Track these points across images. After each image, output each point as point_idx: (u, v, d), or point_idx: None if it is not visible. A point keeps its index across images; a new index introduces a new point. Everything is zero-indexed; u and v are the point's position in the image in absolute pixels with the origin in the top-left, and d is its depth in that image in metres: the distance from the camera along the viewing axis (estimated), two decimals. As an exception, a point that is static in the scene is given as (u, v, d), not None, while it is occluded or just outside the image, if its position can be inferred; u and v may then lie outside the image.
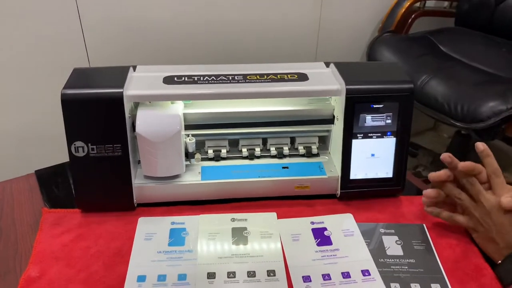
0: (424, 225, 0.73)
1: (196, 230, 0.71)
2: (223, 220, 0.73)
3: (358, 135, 0.74)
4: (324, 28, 1.75)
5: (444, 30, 1.90)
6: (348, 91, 0.71)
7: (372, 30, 1.88)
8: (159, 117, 0.70)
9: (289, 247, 0.69)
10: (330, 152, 0.82)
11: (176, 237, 0.70)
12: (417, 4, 1.85)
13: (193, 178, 0.75)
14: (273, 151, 0.80)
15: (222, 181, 0.75)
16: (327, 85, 0.74)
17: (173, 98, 0.72)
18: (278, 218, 0.74)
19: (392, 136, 0.74)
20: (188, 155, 0.76)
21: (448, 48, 1.74)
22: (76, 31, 1.32)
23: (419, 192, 0.79)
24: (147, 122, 0.70)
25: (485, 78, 1.54)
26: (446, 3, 1.98)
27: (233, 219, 0.73)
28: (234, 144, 0.82)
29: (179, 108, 0.73)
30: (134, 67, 0.77)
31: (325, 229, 0.72)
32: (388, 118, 0.73)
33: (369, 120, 0.73)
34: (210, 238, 0.70)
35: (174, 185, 0.74)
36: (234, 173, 0.77)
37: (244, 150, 0.80)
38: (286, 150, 0.81)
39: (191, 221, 0.73)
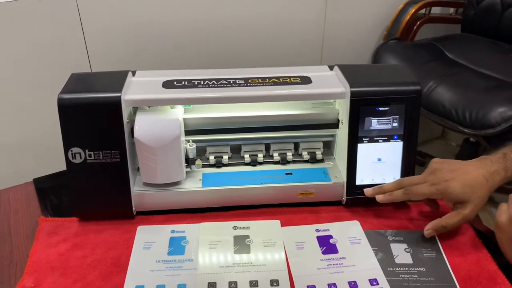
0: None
1: (197, 239, 0.69)
2: (224, 228, 0.71)
3: (364, 139, 0.71)
4: (329, 35, 1.74)
5: (450, 36, 1.88)
6: (353, 94, 0.69)
7: (377, 37, 1.86)
8: (158, 122, 0.68)
9: (293, 256, 0.66)
10: (335, 157, 0.80)
11: (176, 246, 0.68)
12: (423, 11, 1.84)
13: (193, 185, 0.73)
14: (276, 157, 0.78)
15: (223, 188, 0.73)
16: (331, 88, 0.72)
17: (173, 102, 0.70)
18: (281, 226, 0.71)
19: (399, 140, 0.72)
20: (189, 162, 0.74)
21: (455, 54, 1.72)
22: (78, 37, 1.31)
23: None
24: (145, 127, 0.68)
25: (493, 84, 1.52)
26: (451, 10, 1.96)
27: (235, 227, 0.71)
28: (236, 150, 0.80)
29: (179, 113, 0.71)
30: (134, 72, 0.76)
31: (330, 237, 0.69)
32: (395, 121, 0.71)
33: (375, 123, 0.71)
34: (211, 246, 0.67)
35: (174, 192, 0.72)
36: (236, 180, 0.74)
37: (247, 156, 0.78)
38: (289, 155, 0.78)
39: (191, 230, 0.70)
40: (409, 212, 0.74)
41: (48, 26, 1.27)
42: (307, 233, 0.70)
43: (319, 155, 0.79)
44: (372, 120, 0.70)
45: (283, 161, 0.78)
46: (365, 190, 0.71)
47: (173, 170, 0.71)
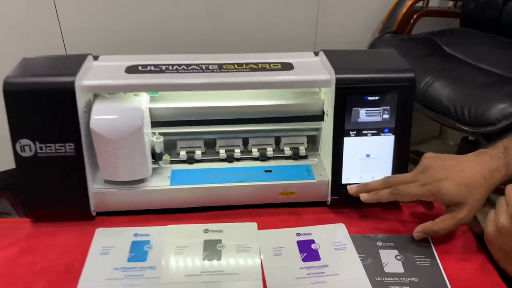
0: (429, 237, 0.62)
1: (162, 243, 0.61)
2: (194, 232, 0.63)
3: (351, 132, 0.64)
4: (322, 28, 1.66)
5: (449, 31, 1.80)
6: (338, 81, 0.61)
7: (373, 31, 1.79)
8: (118, 110, 0.61)
9: (269, 263, 0.58)
10: (320, 153, 0.72)
11: (138, 251, 0.60)
12: (420, 4, 1.76)
13: (160, 183, 0.65)
14: (255, 152, 0.70)
15: (194, 187, 0.65)
16: (314, 74, 0.64)
17: (135, 89, 0.62)
18: (259, 229, 0.64)
19: (390, 134, 0.64)
20: (156, 157, 0.66)
21: (453, 49, 1.64)
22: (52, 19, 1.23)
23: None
24: (103, 117, 0.60)
25: (493, 79, 1.44)
26: (450, 3, 1.88)
27: (206, 230, 0.63)
28: (210, 144, 0.72)
29: (143, 102, 0.63)
30: (97, 57, 0.68)
31: (312, 241, 0.62)
32: (386, 112, 0.63)
33: (363, 114, 0.63)
34: (177, 252, 0.60)
35: (139, 191, 0.64)
36: (209, 178, 0.67)
37: (222, 151, 0.70)
38: (270, 151, 0.71)
39: (156, 233, 0.63)
40: (401, 214, 0.67)
41: (20, 7, 1.19)
42: (287, 237, 0.63)
43: (302, 151, 0.71)
44: (360, 111, 0.63)
45: (263, 157, 0.70)
46: (349, 187, 0.64)
47: (137, 166, 0.63)
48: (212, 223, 0.64)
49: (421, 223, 0.62)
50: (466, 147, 1.77)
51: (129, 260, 0.59)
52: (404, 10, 1.71)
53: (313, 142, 0.74)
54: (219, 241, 0.61)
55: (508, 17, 1.73)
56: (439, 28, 1.80)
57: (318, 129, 0.72)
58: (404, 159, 0.65)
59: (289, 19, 1.59)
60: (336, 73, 0.62)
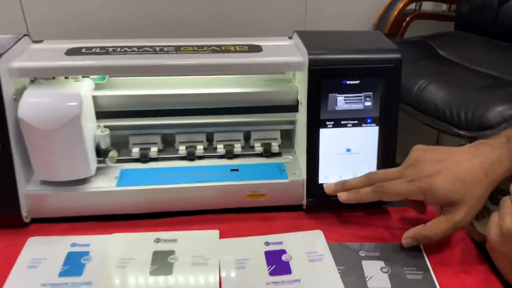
0: (421, 246, 0.52)
1: (104, 255, 0.51)
2: (143, 241, 0.53)
3: (328, 123, 0.55)
4: (311, 30, 1.59)
5: (443, 34, 1.73)
6: (312, 62, 0.52)
7: (363, 33, 1.71)
8: (52, 96, 0.51)
9: (229, 279, 0.49)
10: (296, 150, 0.63)
11: (73, 264, 0.50)
12: (412, 6, 1.69)
13: (105, 184, 0.56)
14: (220, 149, 0.61)
15: (145, 188, 0.55)
16: (284, 56, 0.55)
17: (73, 71, 0.53)
18: (221, 238, 0.54)
19: (374, 124, 0.55)
20: (101, 154, 0.57)
21: (448, 52, 1.57)
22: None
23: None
24: (33, 104, 0.51)
25: (490, 82, 1.36)
26: (444, 6, 1.81)
27: (157, 240, 0.53)
28: (169, 141, 0.63)
29: (83, 87, 0.54)
30: (41, 41, 0.59)
31: (283, 251, 0.52)
32: (368, 99, 0.54)
33: (342, 102, 0.54)
34: (120, 265, 0.50)
35: (79, 193, 0.55)
36: (163, 178, 0.57)
37: (182, 148, 0.61)
38: (238, 148, 0.61)
39: (99, 243, 0.53)
40: (389, 219, 0.57)
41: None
42: (253, 247, 0.53)
43: (275, 147, 0.62)
44: (338, 98, 0.54)
45: (229, 154, 0.61)
46: (325, 186, 0.54)
47: (76, 163, 0.54)
48: (165, 231, 0.54)
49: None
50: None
51: (61, 274, 0.49)
52: (396, 12, 1.64)
53: (288, 138, 0.65)
54: (172, 252, 0.52)
55: (504, 19, 1.65)
56: (433, 32, 1.73)
57: (293, 123, 0.63)
58: (390, 154, 0.56)
59: (275, 17, 1.51)
60: (309, 54, 0.53)
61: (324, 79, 0.53)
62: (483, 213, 0.51)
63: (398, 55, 0.54)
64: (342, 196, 0.52)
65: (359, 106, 0.54)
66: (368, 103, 0.54)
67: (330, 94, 0.53)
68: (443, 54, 1.56)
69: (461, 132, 1.27)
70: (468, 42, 1.66)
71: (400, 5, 1.63)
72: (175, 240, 0.53)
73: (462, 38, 1.70)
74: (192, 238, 0.54)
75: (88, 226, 0.55)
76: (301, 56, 0.55)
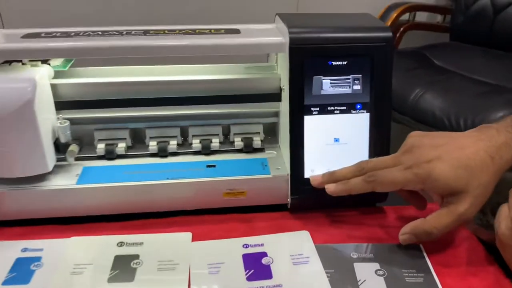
0: (421, 245, 0.46)
1: (58, 261, 0.45)
2: (104, 245, 0.47)
3: (313, 109, 0.49)
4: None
5: (438, 45, 1.69)
6: (293, 41, 0.47)
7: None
8: (2, 81, 0.46)
9: (200, 285, 0.42)
10: (280, 145, 0.57)
11: (21, 271, 0.43)
12: (406, 17, 1.66)
13: (64, 182, 0.49)
14: (196, 144, 0.55)
15: (108, 186, 0.49)
16: (264, 37, 0.50)
17: (24, 54, 0.47)
18: (193, 241, 0.48)
19: (364, 111, 0.49)
20: (61, 148, 0.51)
21: (443, 62, 1.53)
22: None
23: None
24: (-21, 89, 0.45)
25: (488, 89, 1.32)
26: (438, 18, 1.78)
27: (120, 244, 0.47)
28: (139, 136, 0.57)
29: (39, 73, 0.48)
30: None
31: (264, 254, 0.45)
32: (356, 82, 0.49)
33: (328, 86, 0.48)
34: (74, 272, 0.43)
35: (35, 191, 0.48)
36: (130, 175, 0.51)
37: (153, 143, 0.55)
38: (215, 143, 0.55)
39: (54, 247, 0.46)
40: (385, 218, 0.51)
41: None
42: (229, 250, 0.46)
43: (257, 142, 0.56)
44: (323, 81, 0.48)
45: (206, 150, 0.55)
46: (311, 177, 0.48)
47: (30, 157, 0.48)
48: (131, 234, 0.48)
49: (410, 227, 0.46)
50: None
51: (5, 283, 0.42)
52: (389, 22, 1.61)
53: (272, 133, 0.59)
54: (136, 256, 0.45)
55: (500, 28, 1.62)
56: (428, 43, 1.69)
57: (277, 115, 0.57)
58: (383, 144, 0.50)
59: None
60: (290, 33, 0.47)
61: (307, 59, 0.47)
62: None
63: (388, 34, 0.48)
64: (330, 188, 0.45)
65: (347, 90, 0.49)
66: (357, 87, 0.49)
67: (314, 77, 0.48)
68: (439, 64, 1.52)
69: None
70: (464, 52, 1.63)
71: (394, 15, 1.60)
72: (140, 244, 0.47)
73: (458, 48, 1.67)
74: (161, 241, 0.47)
75: (44, 230, 0.49)
76: (282, 36, 0.49)
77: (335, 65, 0.48)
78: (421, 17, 1.74)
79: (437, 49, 1.63)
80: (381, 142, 0.50)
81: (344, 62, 0.48)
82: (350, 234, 0.48)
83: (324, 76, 0.48)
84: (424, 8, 1.71)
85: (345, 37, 0.48)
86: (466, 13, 1.68)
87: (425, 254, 0.45)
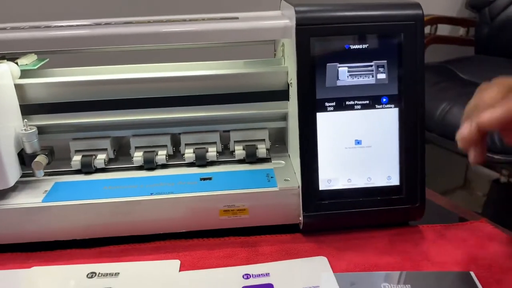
0: (472, 273, 0.36)
1: (11, 297, 0.36)
2: (71, 276, 0.37)
3: (327, 105, 0.40)
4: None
5: (463, 58, 1.60)
6: (300, 20, 0.38)
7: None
8: None
9: (185, 327, 0.32)
10: (290, 153, 0.48)
11: (-37, 311, 0.35)
12: (428, 29, 1.57)
13: (28, 200, 0.41)
14: (189, 154, 0.46)
15: (79, 204, 0.40)
16: (266, 21, 0.42)
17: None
18: (182, 270, 0.38)
19: (392, 105, 0.40)
20: (26, 160, 0.43)
21: (470, 75, 1.43)
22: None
23: (449, 217, 0.44)
24: None
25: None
26: (461, 30, 1.69)
27: (91, 275, 0.38)
28: (123, 146, 0.48)
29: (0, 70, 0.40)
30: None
31: (269, 287, 0.36)
32: (381, 70, 0.40)
33: (345, 74, 0.39)
34: (28, 311, 0.34)
35: (-9, 211, 0.40)
36: (107, 190, 0.42)
37: (138, 154, 0.46)
38: (212, 152, 0.46)
39: (10, 279, 0.37)
40: (421, 238, 0.41)
41: None
42: (227, 281, 0.37)
43: (262, 151, 0.46)
44: (340, 69, 0.39)
45: (201, 161, 0.46)
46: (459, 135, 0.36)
47: (-16, 169, 0.39)
48: (104, 263, 0.39)
49: (456, 254, 0.36)
50: (497, 191, 1.52)
51: None
52: (410, 36, 1.52)
53: (280, 140, 0.50)
54: (108, 290, 0.36)
55: (529, 38, 1.52)
56: (452, 57, 1.60)
57: (285, 118, 0.48)
58: (417, 146, 0.40)
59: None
60: (296, 12, 0.39)
61: (320, 42, 0.39)
62: None
63: (418, 11, 0.40)
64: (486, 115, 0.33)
65: (369, 80, 0.39)
66: (382, 76, 0.39)
67: (328, 64, 0.39)
68: (465, 77, 1.42)
69: (497, 157, 1.10)
70: (491, 64, 1.53)
71: (413, 28, 1.51)
72: (116, 275, 0.37)
73: (484, 61, 1.57)
74: (141, 270, 0.38)
75: (1, 259, 0.40)
76: (288, 19, 0.41)
77: (354, 49, 0.39)
78: (443, 31, 1.66)
79: (462, 63, 1.53)
80: (413, 143, 0.40)
81: (365, 46, 0.39)
82: (378, 260, 0.38)
83: (340, 63, 0.39)
84: (446, 20, 1.62)
85: (364, 15, 0.39)
86: (491, 25, 1.59)
87: (475, 279, 0.34)
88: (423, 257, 0.39)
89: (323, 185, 0.40)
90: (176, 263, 0.39)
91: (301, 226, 0.42)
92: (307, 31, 0.38)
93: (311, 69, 0.39)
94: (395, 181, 0.41)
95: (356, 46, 0.39)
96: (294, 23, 0.39)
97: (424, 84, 0.40)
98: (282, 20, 0.41)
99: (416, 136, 0.40)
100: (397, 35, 0.39)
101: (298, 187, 0.41)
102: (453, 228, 0.42)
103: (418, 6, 0.40)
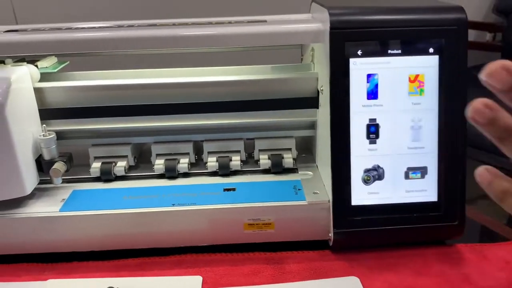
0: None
1: (25, 312, 0.34)
2: (88, 291, 0.36)
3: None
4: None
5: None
6: (334, 24, 0.36)
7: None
8: (-35, 80, 0.37)
9: None
10: (318, 163, 0.45)
11: (-25, 326, 0.33)
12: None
13: (45, 209, 0.39)
14: (212, 163, 0.44)
15: (98, 214, 0.38)
16: (295, 24, 0.40)
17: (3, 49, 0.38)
18: (204, 287, 0.36)
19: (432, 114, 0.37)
20: (44, 167, 0.41)
21: (497, 82, 1.38)
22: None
23: (489, 235, 0.41)
24: None
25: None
26: (488, 36, 1.64)
27: (109, 290, 0.36)
28: (145, 154, 0.47)
29: (18, 73, 0.39)
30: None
31: (297, 310, 0.33)
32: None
33: (382, 82, 0.37)
34: (42, 329, 0.32)
35: (5, 220, 0.38)
36: (127, 200, 0.40)
37: (159, 162, 0.44)
38: (236, 161, 0.44)
39: (24, 293, 0.36)
40: (460, 258, 0.38)
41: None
42: (252, 301, 0.34)
43: (288, 161, 0.44)
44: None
45: (224, 170, 0.44)
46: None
47: (2, 177, 0.38)
48: (123, 277, 0.37)
49: (501, 276, 0.33)
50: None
51: None
52: (435, 41, 1.48)
53: (308, 150, 0.48)
54: (126, 308, 0.34)
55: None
56: (477, 63, 1.56)
57: (313, 126, 0.45)
58: (459, 156, 0.37)
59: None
60: (331, 15, 0.36)
61: (354, 47, 0.36)
62: None
63: (462, 14, 0.37)
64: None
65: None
66: (421, 85, 0.37)
67: (363, 71, 0.36)
68: (493, 84, 1.38)
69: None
70: (520, 71, 1.48)
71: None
72: (134, 291, 0.36)
73: (513, 67, 1.52)
74: (160, 286, 0.36)
75: (15, 270, 0.38)
76: (320, 22, 0.39)
77: (392, 54, 0.36)
78: (469, 35, 1.61)
79: (488, 68, 1.49)
80: (453, 153, 0.37)
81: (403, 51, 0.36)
82: (414, 282, 0.35)
83: (376, 70, 0.37)
84: (472, 25, 1.58)
85: (403, 19, 0.37)
86: (520, 29, 1.54)
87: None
88: (463, 279, 0.36)
89: (355, 199, 0.38)
90: (198, 279, 0.37)
91: (330, 243, 0.39)
92: (342, 35, 0.36)
93: (344, 74, 0.36)
94: (432, 196, 0.38)
95: (394, 52, 0.36)
96: (328, 26, 0.36)
97: (466, 93, 0.38)
98: (314, 23, 0.39)
99: (457, 150, 0.38)
100: (438, 40, 0.36)
101: (329, 201, 0.39)
102: (494, 248, 0.39)
103: (461, 9, 0.37)
